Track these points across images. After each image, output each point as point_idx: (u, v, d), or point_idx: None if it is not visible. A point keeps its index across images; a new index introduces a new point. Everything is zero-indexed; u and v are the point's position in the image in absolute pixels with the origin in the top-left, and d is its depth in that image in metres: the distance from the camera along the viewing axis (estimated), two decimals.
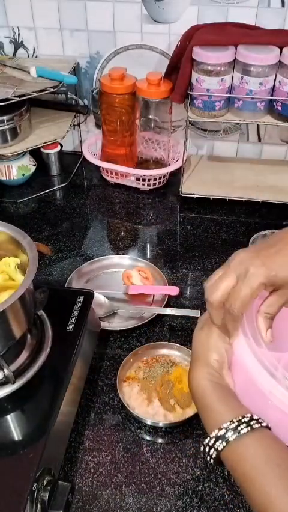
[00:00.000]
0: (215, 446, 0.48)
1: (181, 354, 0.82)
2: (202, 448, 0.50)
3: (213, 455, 0.49)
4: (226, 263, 0.54)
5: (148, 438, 0.72)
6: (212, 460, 0.49)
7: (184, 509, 0.64)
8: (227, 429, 0.48)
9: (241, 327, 0.54)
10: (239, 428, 0.47)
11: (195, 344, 0.57)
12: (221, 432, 0.48)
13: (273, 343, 0.56)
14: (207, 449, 0.50)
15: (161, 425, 0.72)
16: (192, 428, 0.73)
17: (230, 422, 0.48)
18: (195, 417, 0.72)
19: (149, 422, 0.72)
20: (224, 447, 0.48)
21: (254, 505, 0.46)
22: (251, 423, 0.48)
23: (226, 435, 0.48)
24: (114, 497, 0.65)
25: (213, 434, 0.49)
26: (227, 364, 0.55)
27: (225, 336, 0.55)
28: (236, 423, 0.48)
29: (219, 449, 0.48)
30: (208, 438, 0.50)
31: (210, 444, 0.49)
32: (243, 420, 0.48)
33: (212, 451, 0.49)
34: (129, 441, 0.71)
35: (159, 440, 0.72)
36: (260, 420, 0.48)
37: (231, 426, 0.48)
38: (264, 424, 0.48)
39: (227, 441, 0.48)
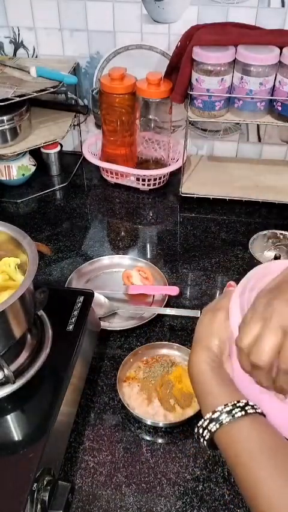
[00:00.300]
0: (208, 427, 0.49)
1: (181, 354, 0.82)
2: (196, 430, 0.51)
3: (207, 437, 0.49)
4: (254, 311, 0.49)
5: (148, 438, 0.72)
6: (205, 442, 0.50)
7: (184, 509, 0.64)
8: (221, 412, 0.48)
9: (240, 311, 0.54)
10: (234, 412, 0.48)
11: (198, 327, 0.57)
12: (215, 415, 0.49)
13: None
14: (200, 431, 0.50)
15: (161, 425, 0.72)
16: (192, 428, 0.72)
17: (225, 405, 0.48)
18: (195, 417, 0.72)
19: (149, 422, 0.72)
20: (217, 429, 0.48)
21: (243, 488, 0.46)
22: (246, 408, 0.48)
23: (220, 418, 0.48)
24: (114, 497, 0.65)
25: (207, 416, 0.49)
26: (228, 351, 0.55)
27: (228, 323, 0.55)
28: (231, 407, 0.48)
29: (213, 430, 0.49)
30: (202, 420, 0.50)
31: (204, 426, 0.50)
32: (238, 405, 0.48)
33: (205, 432, 0.49)
34: (129, 441, 0.71)
35: (159, 440, 0.72)
36: (255, 407, 0.49)
37: (225, 410, 0.48)
38: (259, 411, 0.49)
39: (221, 424, 0.48)
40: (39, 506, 0.57)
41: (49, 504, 0.58)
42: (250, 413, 0.48)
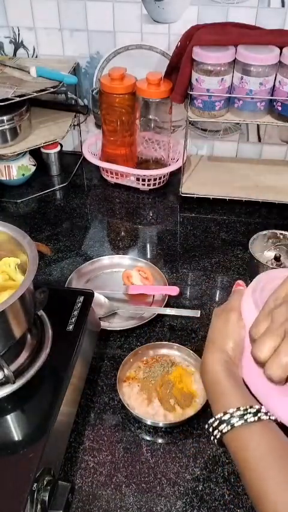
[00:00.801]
0: (219, 428, 0.49)
1: (181, 354, 0.82)
2: (206, 427, 0.51)
3: (217, 436, 0.50)
4: (273, 323, 0.48)
5: (148, 438, 0.72)
6: (215, 441, 0.50)
7: (184, 509, 0.64)
8: (233, 415, 0.48)
9: (255, 307, 0.54)
10: (246, 417, 0.48)
11: (213, 329, 0.57)
12: (226, 417, 0.49)
13: None
14: (210, 430, 0.50)
15: (161, 425, 0.72)
16: (192, 428, 0.73)
17: (237, 408, 0.48)
18: (195, 417, 0.72)
19: (149, 422, 0.72)
20: (228, 430, 0.48)
21: (251, 491, 0.46)
22: (259, 414, 0.48)
23: (232, 421, 0.48)
24: (114, 497, 0.65)
25: (218, 416, 0.50)
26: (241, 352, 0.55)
27: (243, 325, 0.55)
28: (243, 411, 0.48)
29: (224, 431, 0.49)
30: (213, 419, 0.50)
31: (214, 425, 0.50)
32: (250, 411, 0.48)
33: (216, 432, 0.49)
34: (129, 441, 0.71)
35: (159, 440, 0.72)
36: (268, 413, 0.49)
37: (237, 413, 0.48)
38: (272, 418, 0.49)
39: (232, 426, 0.48)
40: (39, 506, 0.57)
41: (49, 504, 0.58)
42: (262, 419, 0.48)
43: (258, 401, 0.51)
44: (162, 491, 0.66)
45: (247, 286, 0.60)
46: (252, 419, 0.48)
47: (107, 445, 0.71)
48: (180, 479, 0.67)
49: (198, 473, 0.68)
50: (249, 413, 0.48)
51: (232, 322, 0.55)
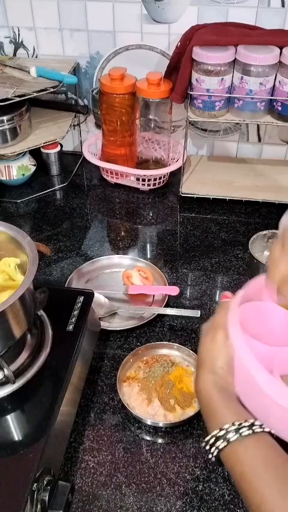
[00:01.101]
0: (215, 444, 0.49)
1: (181, 354, 0.82)
2: (203, 444, 0.51)
3: (215, 453, 0.50)
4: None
5: (148, 438, 0.72)
6: (213, 458, 0.50)
7: (184, 509, 0.64)
8: (228, 430, 0.49)
9: (237, 325, 0.54)
10: (241, 431, 0.48)
11: (201, 349, 0.57)
12: (222, 433, 0.49)
13: (268, 338, 0.57)
14: (207, 447, 0.50)
15: (161, 425, 0.72)
16: (192, 428, 0.73)
17: (232, 423, 0.49)
18: (195, 417, 0.72)
19: (149, 422, 0.72)
20: (224, 446, 0.49)
21: (249, 504, 0.47)
22: (253, 427, 0.48)
23: (227, 436, 0.49)
24: (114, 497, 0.65)
25: (213, 433, 0.50)
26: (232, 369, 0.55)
27: (230, 344, 0.55)
28: (238, 426, 0.49)
29: (220, 447, 0.49)
30: (209, 436, 0.50)
31: (210, 442, 0.50)
32: (244, 424, 0.49)
33: (213, 449, 0.50)
34: (129, 441, 0.71)
35: (159, 440, 0.72)
36: (262, 426, 0.49)
37: (231, 428, 0.49)
38: (266, 430, 0.49)
39: (228, 441, 0.48)
40: (39, 506, 0.57)
41: (49, 504, 0.58)
42: (257, 432, 0.48)
43: (252, 415, 0.51)
44: (162, 491, 0.66)
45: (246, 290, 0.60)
46: (247, 432, 0.48)
47: (107, 445, 0.71)
48: (180, 479, 0.67)
49: (198, 473, 0.68)
50: (244, 426, 0.48)
51: (219, 341, 0.55)
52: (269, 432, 0.49)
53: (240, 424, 0.49)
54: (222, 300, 0.61)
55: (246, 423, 0.49)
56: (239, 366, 0.53)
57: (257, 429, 0.48)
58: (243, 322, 0.55)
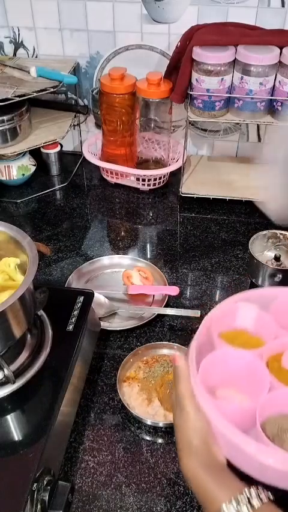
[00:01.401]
0: None
1: (181, 354, 0.81)
2: None
3: None
4: None
5: (148, 438, 0.72)
6: None
7: (184, 509, 0.64)
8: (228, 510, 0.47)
9: (203, 392, 0.53)
10: (239, 507, 0.47)
11: (175, 431, 0.55)
12: None
13: (236, 381, 0.58)
14: None
15: (161, 425, 0.72)
16: None
17: (229, 502, 0.47)
18: None
19: (149, 422, 0.72)
20: None
21: None
22: (252, 502, 0.47)
23: None
24: (114, 497, 0.65)
25: None
26: (212, 438, 0.53)
27: (202, 414, 0.53)
28: (235, 506, 0.47)
29: None
30: None
31: None
32: (239, 498, 0.47)
33: None
34: (129, 441, 0.71)
35: (159, 440, 0.72)
36: (260, 496, 0.48)
37: (230, 508, 0.47)
38: (262, 496, 0.48)
39: None
40: (39, 506, 0.57)
41: (49, 504, 0.58)
42: (256, 506, 0.47)
43: (248, 479, 0.50)
44: (162, 491, 0.66)
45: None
46: (246, 510, 0.47)
47: (107, 445, 0.71)
48: (180, 479, 0.67)
49: None
50: (241, 502, 0.47)
51: (190, 417, 0.53)
52: (268, 499, 0.48)
53: (238, 501, 0.47)
54: (175, 365, 0.57)
55: (243, 499, 0.47)
56: (218, 433, 0.52)
57: (254, 502, 0.47)
58: (206, 378, 0.55)
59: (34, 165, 1.26)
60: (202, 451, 0.52)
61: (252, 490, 0.48)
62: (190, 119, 1.08)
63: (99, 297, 0.90)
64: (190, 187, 1.20)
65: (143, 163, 1.24)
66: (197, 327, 0.87)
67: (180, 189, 1.19)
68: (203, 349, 0.60)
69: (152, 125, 1.18)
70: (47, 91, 1.10)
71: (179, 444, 0.54)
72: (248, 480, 0.50)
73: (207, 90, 1.02)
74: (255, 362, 0.59)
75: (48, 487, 0.58)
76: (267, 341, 0.62)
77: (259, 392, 0.56)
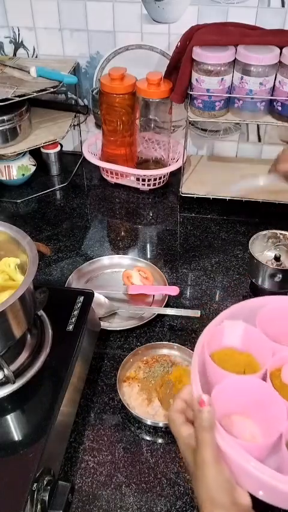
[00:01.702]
0: None
1: (181, 354, 0.82)
2: None
3: None
4: None
5: (148, 438, 0.72)
6: None
7: (184, 509, 0.64)
8: None
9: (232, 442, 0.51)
10: None
11: (193, 479, 0.52)
12: None
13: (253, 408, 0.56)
14: None
15: (161, 425, 0.72)
16: None
17: None
18: None
19: (149, 422, 0.72)
20: None
21: None
22: None
23: None
24: (114, 497, 0.65)
25: None
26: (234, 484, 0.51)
27: (220, 467, 0.51)
28: None
29: None
30: None
31: None
32: None
33: None
34: (129, 441, 0.71)
35: (159, 440, 0.72)
36: None
37: None
38: None
39: None
40: (39, 506, 0.57)
41: (49, 504, 0.58)
42: None
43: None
44: (162, 491, 0.66)
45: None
46: None
47: (107, 445, 0.71)
48: (180, 479, 0.67)
49: None
50: None
51: (209, 468, 0.50)
52: None
53: None
54: (200, 409, 0.53)
55: None
56: (246, 475, 0.51)
57: None
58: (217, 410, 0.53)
59: (34, 165, 1.26)
60: (226, 503, 0.50)
61: None
62: (190, 119, 1.08)
63: (99, 297, 0.90)
64: (190, 187, 1.20)
65: (143, 163, 1.24)
66: (197, 327, 0.88)
67: (180, 189, 1.19)
68: (204, 376, 0.59)
69: (152, 125, 1.18)
70: (47, 91, 1.10)
71: (201, 496, 0.51)
72: None
73: (207, 90, 1.02)
74: (264, 387, 0.57)
75: (48, 487, 0.58)
76: (256, 355, 0.62)
77: (277, 421, 0.54)
